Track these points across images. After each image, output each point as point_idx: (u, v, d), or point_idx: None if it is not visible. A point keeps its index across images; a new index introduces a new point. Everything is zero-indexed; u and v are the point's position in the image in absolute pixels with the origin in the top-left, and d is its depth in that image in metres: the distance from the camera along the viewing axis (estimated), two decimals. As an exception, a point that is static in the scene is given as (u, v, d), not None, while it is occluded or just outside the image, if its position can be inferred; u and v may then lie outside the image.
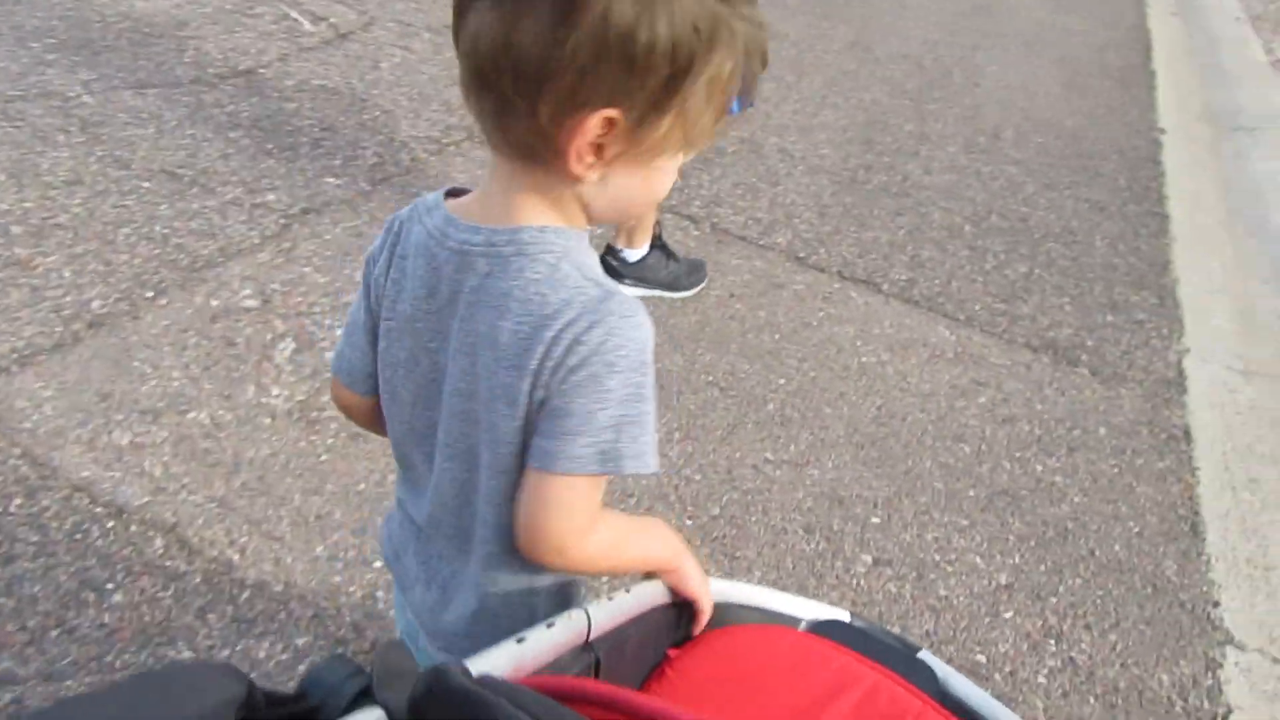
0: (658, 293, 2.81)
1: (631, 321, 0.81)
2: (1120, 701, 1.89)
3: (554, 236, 0.83)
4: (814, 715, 0.84)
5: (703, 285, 2.89)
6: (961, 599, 2.03)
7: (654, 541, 1.00)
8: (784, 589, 1.97)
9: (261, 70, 3.58)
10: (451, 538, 0.97)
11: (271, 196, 2.87)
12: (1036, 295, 3.21)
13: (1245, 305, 3.46)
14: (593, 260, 0.85)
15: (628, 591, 0.94)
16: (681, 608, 0.98)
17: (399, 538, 1.08)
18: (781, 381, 2.57)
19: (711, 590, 0.98)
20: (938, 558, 2.13)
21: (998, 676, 1.88)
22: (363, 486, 2.02)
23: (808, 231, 3.28)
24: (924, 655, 0.98)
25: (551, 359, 0.80)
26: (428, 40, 3.95)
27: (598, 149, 0.78)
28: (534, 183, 0.82)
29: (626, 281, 2.75)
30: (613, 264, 2.76)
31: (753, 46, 0.79)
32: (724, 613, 0.98)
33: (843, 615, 1.03)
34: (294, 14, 3.96)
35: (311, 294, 2.53)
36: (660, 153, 0.81)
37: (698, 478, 2.21)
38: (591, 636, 0.85)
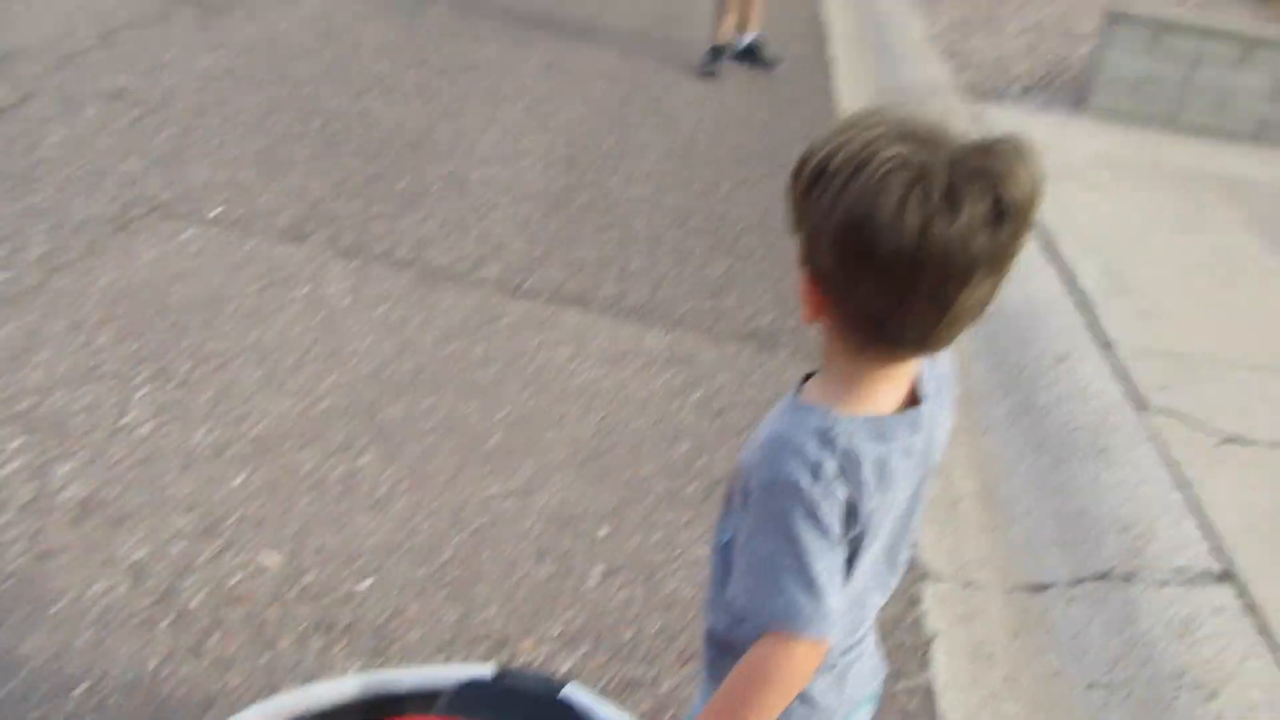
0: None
1: None
2: (836, 659, 2.05)
3: None
4: None
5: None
6: (688, 593, 2.14)
7: None
8: (520, 618, 2.02)
9: (-96, 166, 3.27)
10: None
11: (-76, 306, 2.64)
12: (738, 288, 3.41)
13: (924, 268, 3.82)
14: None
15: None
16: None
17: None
18: (502, 414, 2.61)
19: (345, 689, 1.00)
20: (664, 556, 2.23)
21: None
22: (55, 608, 1.90)
23: (518, 260, 3.34)
24: (568, 692, 1.03)
25: None
26: (98, 110, 3.71)
27: None
28: None
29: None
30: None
31: None
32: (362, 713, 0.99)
33: (484, 671, 1.07)
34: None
35: (-17, 405, 2.35)
36: None
37: (426, 526, 2.22)
38: None
